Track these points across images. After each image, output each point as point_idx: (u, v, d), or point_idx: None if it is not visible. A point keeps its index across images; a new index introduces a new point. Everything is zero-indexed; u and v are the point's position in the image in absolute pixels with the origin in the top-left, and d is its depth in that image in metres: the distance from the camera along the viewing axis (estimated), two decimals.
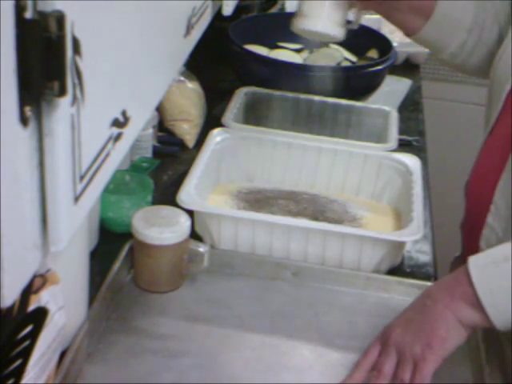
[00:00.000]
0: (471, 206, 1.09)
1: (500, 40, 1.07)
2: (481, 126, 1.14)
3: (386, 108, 1.42)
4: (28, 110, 0.40)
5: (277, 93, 1.44)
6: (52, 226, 0.45)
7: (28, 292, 0.68)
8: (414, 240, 1.11)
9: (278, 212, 1.16)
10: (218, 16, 0.90)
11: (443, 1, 1.08)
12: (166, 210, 1.02)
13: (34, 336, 0.68)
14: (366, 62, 1.56)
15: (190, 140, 1.43)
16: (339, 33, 1.07)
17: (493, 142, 1.04)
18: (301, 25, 1.06)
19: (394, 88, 1.68)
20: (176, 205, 1.05)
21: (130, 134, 0.57)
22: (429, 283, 1.05)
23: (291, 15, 1.77)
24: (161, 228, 0.98)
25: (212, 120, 1.43)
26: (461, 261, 1.16)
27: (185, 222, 1.00)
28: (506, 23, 1.08)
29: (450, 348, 0.86)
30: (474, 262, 0.84)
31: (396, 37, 1.86)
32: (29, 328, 0.68)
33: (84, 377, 0.86)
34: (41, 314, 0.70)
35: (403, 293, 1.04)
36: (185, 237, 1.00)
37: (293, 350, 0.94)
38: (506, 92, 1.00)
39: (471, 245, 1.06)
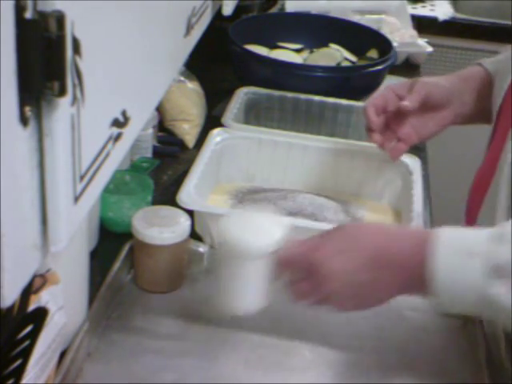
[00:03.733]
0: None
1: None
2: (481, 126, 1.14)
3: None
4: (28, 110, 0.40)
5: (277, 93, 1.44)
6: (52, 226, 0.45)
7: (28, 292, 0.68)
8: None
9: (278, 212, 1.15)
10: (218, 16, 0.90)
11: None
12: (166, 210, 1.02)
13: (34, 336, 0.68)
14: (366, 62, 1.56)
15: (190, 140, 1.43)
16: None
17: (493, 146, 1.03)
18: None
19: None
20: (176, 205, 1.05)
21: (129, 133, 0.57)
22: None
23: (291, 15, 1.79)
24: (161, 228, 0.98)
25: (212, 120, 1.43)
26: None
27: (185, 221, 1.00)
28: None
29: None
30: (443, 246, 0.73)
31: (396, 37, 1.86)
32: (29, 328, 0.68)
33: (84, 377, 0.86)
34: (41, 314, 0.70)
35: None
36: (185, 237, 1.00)
37: (293, 350, 0.94)
38: (504, 89, 1.00)
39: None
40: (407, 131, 1.10)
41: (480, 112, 1.10)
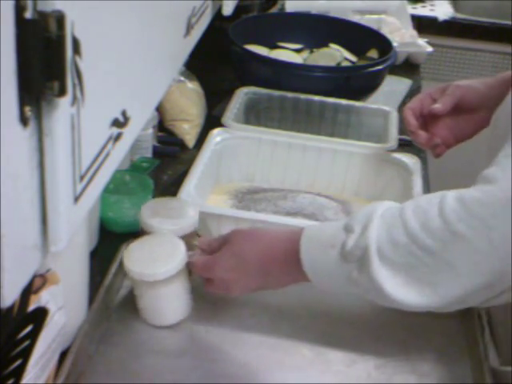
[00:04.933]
0: None
1: None
2: None
3: (386, 108, 1.42)
4: (28, 110, 0.40)
5: (277, 93, 1.44)
6: (52, 225, 0.45)
7: (28, 292, 0.68)
8: None
9: (278, 212, 1.16)
10: (218, 16, 0.90)
11: None
12: (177, 202, 1.02)
13: (34, 336, 0.68)
14: (366, 62, 1.56)
15: (190, 140, 1.43)
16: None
17: None
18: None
19: (393, 88, 1.68)
20: None
21: (129, 133, 0.57)
22: None
23: (291, 15, 1.79)
24: (163, 219, 0.97)
25: (212, 120, 1.43)
26: None
27: (193, 216, 0.99)
28: None
29: None
30: (306, 241, 0.84)
31: (396, 37, 1.86)
32: (29, 328, 0.68)
33: (85, 377, 0.86)
34: (41, 314, 0.70)
35: None
36: (189, 231, 0.98)
37: (293, 350, 0.94)
38: None
39: None
40: (444, 134, 1.12)
41: None
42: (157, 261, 0.91)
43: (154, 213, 0.98)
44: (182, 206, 1.00)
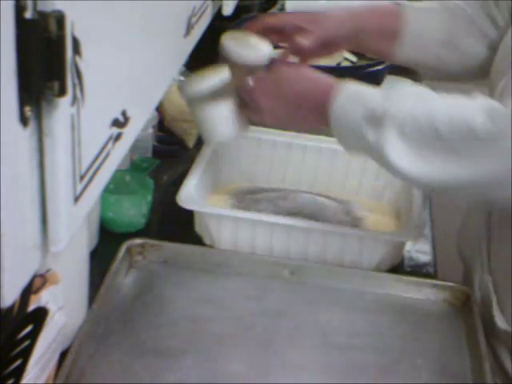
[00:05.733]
0: None
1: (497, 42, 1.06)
2: None
3: None
4: (28, 110, 0.40)
5: None
6: (52, 225, 0.45)
7: (28, 292, 0.68)
8: (414, 240, 1.11)
9: (278, 212, 1.15)
10: (218, 16, 0.90)
11: (411, 22, 1.09)
12: (254, 38, 1.05)
13: (34, 336, 0.68)
14: (366, 61, 1.56)
15: (190, 140, 1.43)
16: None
17: None
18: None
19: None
20: (176, 205, 1.05)
21: (129, 133, 0.57)
22: (426, 280, 1.06)
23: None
24: (241, 48, 1.02)
25: None
26: None
27: (266, 50, 1.03)
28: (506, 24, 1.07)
29: None
30: (344, 91, 0.90)
31: None
32: (29, 328, 0.68)
33: (85, 377, 0.86)
34: (41, 314, 0.70)
35: (402, 290, 1.04)
36: (260, 63, 1.02)
37: (292, 349, 0.94)
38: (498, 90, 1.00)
39: None
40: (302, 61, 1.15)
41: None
42: (203, 77, 1.02)
43: (233, 43, 1.02)
44: (258, 41, 1.04)
